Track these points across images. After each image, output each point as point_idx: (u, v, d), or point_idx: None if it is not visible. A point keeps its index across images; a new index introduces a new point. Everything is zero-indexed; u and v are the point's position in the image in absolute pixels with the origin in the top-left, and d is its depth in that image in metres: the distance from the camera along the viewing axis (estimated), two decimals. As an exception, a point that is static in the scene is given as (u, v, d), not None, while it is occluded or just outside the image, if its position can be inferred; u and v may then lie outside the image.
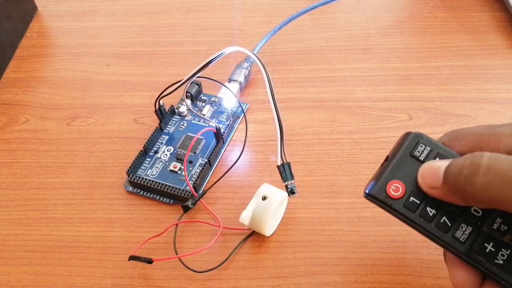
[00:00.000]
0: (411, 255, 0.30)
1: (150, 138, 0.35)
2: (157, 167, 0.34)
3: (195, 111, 0.35)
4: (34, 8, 0.47)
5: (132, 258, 0.29)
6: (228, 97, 0.37)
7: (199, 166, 0.34)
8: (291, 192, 0.30)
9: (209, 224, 0.32)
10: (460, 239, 0.23)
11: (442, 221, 0.23)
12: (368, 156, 0.35)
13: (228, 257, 0.30)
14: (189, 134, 0.36)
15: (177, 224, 0.31)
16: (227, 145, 0.36)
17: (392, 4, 0.45)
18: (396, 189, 0.24)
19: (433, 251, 0.30)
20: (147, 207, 0.33)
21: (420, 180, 0.23)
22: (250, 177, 0.34)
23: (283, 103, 0.38)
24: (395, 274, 0.29)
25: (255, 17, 0.45)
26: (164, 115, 0.36)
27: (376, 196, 0.24)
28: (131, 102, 0.39)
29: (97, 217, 0.33)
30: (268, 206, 0.29)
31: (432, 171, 0.22)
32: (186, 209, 0.31)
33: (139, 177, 0.33)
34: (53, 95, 0.40)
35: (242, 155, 0.34)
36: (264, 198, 0.30)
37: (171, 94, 0.34)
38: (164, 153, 0.35)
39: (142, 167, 0.34)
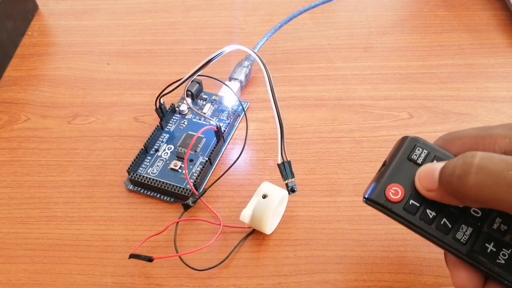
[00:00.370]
0: (411, 253, 0.30)
1: (150, 136, 0.35)
2: (157, 166, 0.34)
3: (195, 110, 0.35)
4: (35, 7, 0.47)
5: (132, 256, 0.29)
6: (229, 96, 0.37)
7: (199, 164, 0.34)
8: (291, 190, 0.30)
9: (210, 222, 0.32)
10: (461, 240, 0.23)
11: (442, 222, 0.23)
12: (369, 154, 0.34)
13: (228, 255, 0.30)
14: (189, 132, 0.36)
15: (177, 223, 0.31)
16: (228, 143, 0.36)
17: (393, 3, 0.45)
18: (395, 192, 0.24)
19: (434, 250, 0.30)
20: (148, 205, 0.33)
21: (417, 183, 0.23)
22: (251, 175, 0.34)
23: (283, 102, 0.38)
24: (396, 272, 0.29)
25: (256, 16, 0.45)
26: (164, 113, 0.36)
27: (376, 200, 0.24)
28: (132, 101, 0.39)
29: (98, 215, 0.33)
30: (269, 205, 0.29)
31: (428, 174, 0.23)
32: (186, 207, 0.31)
33: (140, 176, 0.33)
34: (54, 94, 0.40)
35: (242, 154, 0.34)
36: (264, 197, 0.30)
37: (172, 92, 0.34)
38: (165, 152, 0.35)
39: (143, 166, 0.34)
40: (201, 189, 0.33)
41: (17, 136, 0.37)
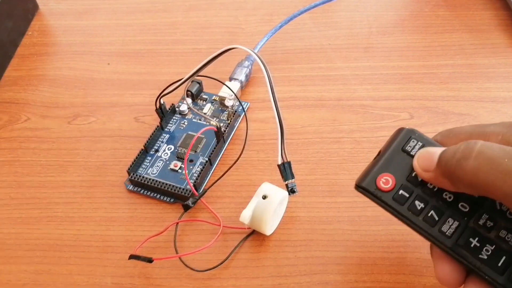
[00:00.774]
0: (411, 254, 0.30)
1: (150, 136, 0.35)
2: (157, 166, 0.34)
3: (195, 110, 0.35)
4: (35, 7, 0.47)
5: (132, 257, 0.29)
6: (229, 96, 0.37)
7: (199, 165, 0.34)
8: (291, 191, 0.29)
9: (210, 223, 0.32)
10: (446, 233, 0.23)
11: (429, 215, 0.24)
12: (369, 155, 0.34)
13: (228, 256, 0.30)
14: (189, 132, 0.35)
15: (177, 223, 0.31)
16: (228, 144, 0.36)
17: (394, 3, 0.45)
18: (386, 182, 0.24)
19: (434, 251, 0.30)
20: (148, 205, 0.33)
21: (415, 162, 0.24)
22: (251, 176, 0.34)
23: (284, 102, 0.38)
24: (396, 273, 0.29)
25: (256, 16, 0.45)
26: (165, 113, 0.36)
27: (366, 188, 0.24)
28: (132, 101, 0.39)
29: (98, 215, 0.33)
30: (269, 205, 0.29)
31: (428, 155, 0.23)
32: (186, 208, 0.31)
33: (140, 176, 0.33)
34: (54, 94, 0.40)
35: (242, 154, 0.34)
36: (264, 197, 0.30)
37: (172, 92, 0.34)
38: (165, 152, 0.35)
39: (143, 166, 0.34)
40: (201, 190, 0.33)
41: (17, 136, 0.37)
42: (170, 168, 0.34)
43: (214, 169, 0.34)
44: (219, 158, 0.35)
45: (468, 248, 0.23)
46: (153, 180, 0.33)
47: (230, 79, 0.38)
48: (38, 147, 0.37)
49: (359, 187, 0.25)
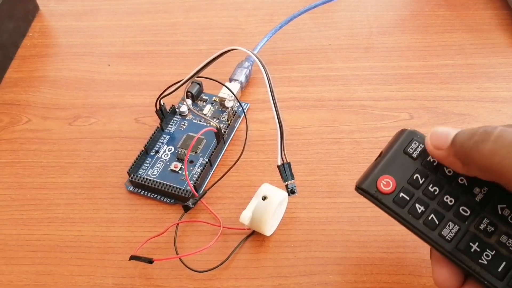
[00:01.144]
0: (411, 254, 0.30)
1: (151, 138, 0.35)
2: (158, 167, 0.34)
3: (195, 111, 0.35)
4: (36, 8, 0.47)
5: (132, 258, 0.29)
6: (229, 97, 0.37)
7: (199, 166, 0.34)
8: (291, 192, 0.30)
9: (210, 224, 0.32)
10: (447, 237, 0.23)
11: (430, 218, 0.23)
12: (369, 155, 0.34)
13: (228, 257, 0.30)
14: (190, 133, 0.36)
15: (177, 224, 0.32)
16: (228, 144, 0.36)
17: (394, 3, 0.45)
18: (386, 184, 0.24)
19: (434, 251, 0.30)
20: (148, 206, 0.33)
21: (427, 139, 0.24)
22: (251, 176, 0.34)
23: (284, 103, 0.38)
24: (395, 273, 0.29)
25: (257, 16, 0.45)
26: (165, 114, 0.36)
27: (367, 190, 0.24)
28: (132, 102, 0.39)
29: (99, 216, 0.33)
30: (268, 206, 0.29)
31: (442, 134, 0.23)
32: (186, 209, 0.32)
33: (140, 177, 0.33)
34: (55, 95, 0.40)
35: (242, 155, 0.34)
36: (264, 198, 0.30)
37: (172, 94, 0.34)
38: (165, 153, 0.35)
39: (143, 167, 0.34)
40: (201, 191, 0.33)
41: (18, 138, 0.37)
42: (171, 169, 0.34)
43: (214, 170, 0.34)
44: (219, 159, 0.35)
45: (468, 253, 0.23)
46: (153, 181, 0.33)
47: (230, 80, 0.38)
48: (39, 148, 0.37)
49: (359, 188, 0.25)
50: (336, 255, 0.30)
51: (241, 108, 0.37)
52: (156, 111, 0.35)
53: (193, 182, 0.33)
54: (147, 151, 0.34)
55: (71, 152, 0.36)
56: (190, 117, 0.37)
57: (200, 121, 0.37)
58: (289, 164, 0.30)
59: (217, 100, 0.37)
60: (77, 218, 0.33)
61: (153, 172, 0.34)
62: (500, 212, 0.23)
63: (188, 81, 0.33)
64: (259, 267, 0.30)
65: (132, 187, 0.34)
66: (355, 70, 0.40)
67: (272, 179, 0.32)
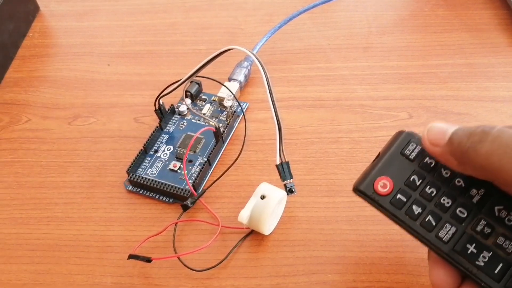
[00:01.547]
0: (410, 254, 0.30)
1: (150, 137, 0.35)
2: (157, 166, 0.34)
3: (194, 111, 0.35)
4: (36, 8, 0.47)
5: (131, 257, 0.29)
6: (228, 96, 0.37)
7: (198, 165, 0.34)
8: (289, 191, 0.30)
9: (208, 223, 0.32)
10: (443, 238, 0.23)
11: (427, 220, 0.23)
12: (368, 155, 0.34)
13: (227, 256, 0.30)
14: (189, 133, 0.36)
15: (176, 223, 0.32)
16: (227, 144, 0.36)
17: (393, 2, 0.45)
18: (384, 185, 0.24)
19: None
20: (147, 206, 0.33)
21: (424, 135, 0.24)
22: (250, 176, 0.34)
23: (283, 102, 0.38)
24: (394, 273, 0.29)
25: (256, 16, 0.45)
26: (164, 114, 0.36)
27: (364, 191, 0.24)
28: (132, 101, 0.39)
29: (97, 216, 0.33)
30: (267, 205, 0.29)
31: (440, 130, 0.23)
32: (185, 208, 0.32)
33: (139, 176, 0.33)
34: (54, 95, 0.40)
35: (241, 154, 0.34)
36: (262, 197, 0.30)
37: (172, 93, 0.34)
38: (164, 152, 0.35)
39: (142, 166, 0.34)
40: (200, 190, 0.33)
41: (18, 137, 0.38)
42: (169, 169, 0.34)
43: (213, 169, 0.34)
44: (218, 159, 0.35)
45: (465, 254, 0.23)
46: (152, 180, 0.33)
47: (229, 79, 0.38)
48: (38, 148, 0.37)
49: (357, 190, 0.25)
50: (335, 255, 0.30)
51: (240, 108, 0.37)
52: (155, 110, 0.35)
53: (192, 181, 0.33)
54: (146, 150, 0.35)
55: (71, 151, 0.36)
56: (189, 116, 0.37)
57: (199, 120, 0.37)
58: (287, 163, 0.30)
59: (216, 99, 0.37)
60: (76, 217, 0.33)
61: (152, 171, 0.34)
62: (497, 214, 0.23)
63: (187, 81, 0.33)
64: (257, 266, 0.30)
65: (131, 186, 0.34)
66: (354, 70, 0.40)
67: (271, 179, 0.32)
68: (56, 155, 0.36)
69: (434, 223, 0.23)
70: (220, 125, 0.34)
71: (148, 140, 0.35)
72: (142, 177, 0.33)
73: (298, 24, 0.43)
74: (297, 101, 0.38)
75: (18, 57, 0.43)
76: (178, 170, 0.34)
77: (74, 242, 0.32)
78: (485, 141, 0.21)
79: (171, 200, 0.33)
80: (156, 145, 0.35)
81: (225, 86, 0.36)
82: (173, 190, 0.32)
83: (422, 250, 0.30)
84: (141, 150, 0.34)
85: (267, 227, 0.30)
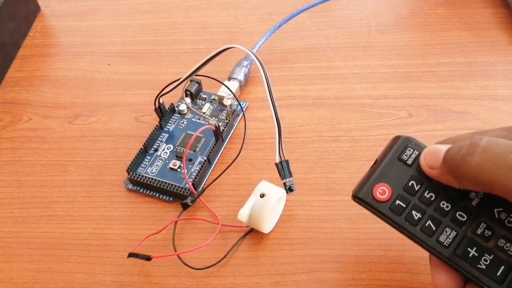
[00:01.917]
0: (409, 252, 0.30)
1: (150, 136, 0.35)
2: (157, 165, 0.34)
3: (194, 109, 0.35)
4: (37, 8, 0.47)
5: (131, 255, 0.29)
6: (228, 95, 0.37)
7: (198, 164, 0.34)
8: (289, 189, 0.30)
9: (208, 221, 0.32)
10: (444, 243, 0.23)
11: (427, 225, 0.23)
12: (367, 153, 0.35)
13: (226, 254, 0.30)
14: (188, 132, 0.36)
15: (176, 222, 0.32)
16: (227, 143, 0.36)
17: (393, 1, 0.45)
18: (382, 192, 0.24)
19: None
20: (147, 204, 0.33)
21: (421, 159, 0.24)
22: (249, 174, 0.34)
23: (282, 101, 0.38)
24: (394, 271, 0.29)
25: (256, 15, 0.45)
26: (164, 113, 0.36)
27: (363, 198, 0.24)
28: (132, 101, 0.39)
29: (98, 214, 0.33)
30: (266, 204, 0.30)
31: (434, 152, 0.23)
32: (185, 206, 0.32)
33: (139, 175, 0.33)
34: (55, 94, 0.40)
35: (241, 153, 0.34)
36: (262, 196, 0.30)
37: (172, 92, 0.34)
38: (164, 151, 0.35)
39: (142, 165, 0.34)
40: (200, 188, 0.33)
41: (19, 136, 0.38)
42: (169, 167, 0.34)
43: (213, 168, 0.34)
44: (217, 157, 0.35)
45: (466, 258, 0.23)
46: (152, 179, 0.33)
47: (229, 78, 0.38)
48: (39, 147, 0.37)
49: (356, 197, 0.25)
50: (335, 253, 0.30)
51: (240, 107, 0.37)
52: (155, 109, 0.35)
53: (191, 180, 0.33)
54: (146, 149, 0.35)
55: (71, 150, 0.36)
56: (189, 115, 0.37)
57: (199, 119, 0.37)
58: (287, 161, 0.30)
59: (216, 98, 0.38)
60: (76, 216, 0.33)
61: (152, 170, 0.34)
62: (497, 216, 0.23)
63: (187, 80, 0.33)
64: (257, 264, 0.30)
65: (131, 185, 0.34)
66: (354, 69, 0.40)
67: (271, 177, 0.32)
68: (56, 154, 0.36)
69: (434, 228, 0.23)
70: (220, 124, 0.35)
71: (148, 139, 0.35)
72: (142, 176, 0.33)
73: (298, 23, 0.43)
74: (297, 100, 0.38)
75: (19, 57, 0.43)
76: (178, 169, 0.34)
77: (74, 241, 0.32)
78: (474, 153, 0.21)
79: (171, 199, 0.33)
80: (156, 144, 0.35)
81: (225, 85, 0.36)
82: (173, 189, 0.32)
83: (421, 249, 0.29)
84: (141, 149, 0.34)
85: (266, 226, 0.30)
